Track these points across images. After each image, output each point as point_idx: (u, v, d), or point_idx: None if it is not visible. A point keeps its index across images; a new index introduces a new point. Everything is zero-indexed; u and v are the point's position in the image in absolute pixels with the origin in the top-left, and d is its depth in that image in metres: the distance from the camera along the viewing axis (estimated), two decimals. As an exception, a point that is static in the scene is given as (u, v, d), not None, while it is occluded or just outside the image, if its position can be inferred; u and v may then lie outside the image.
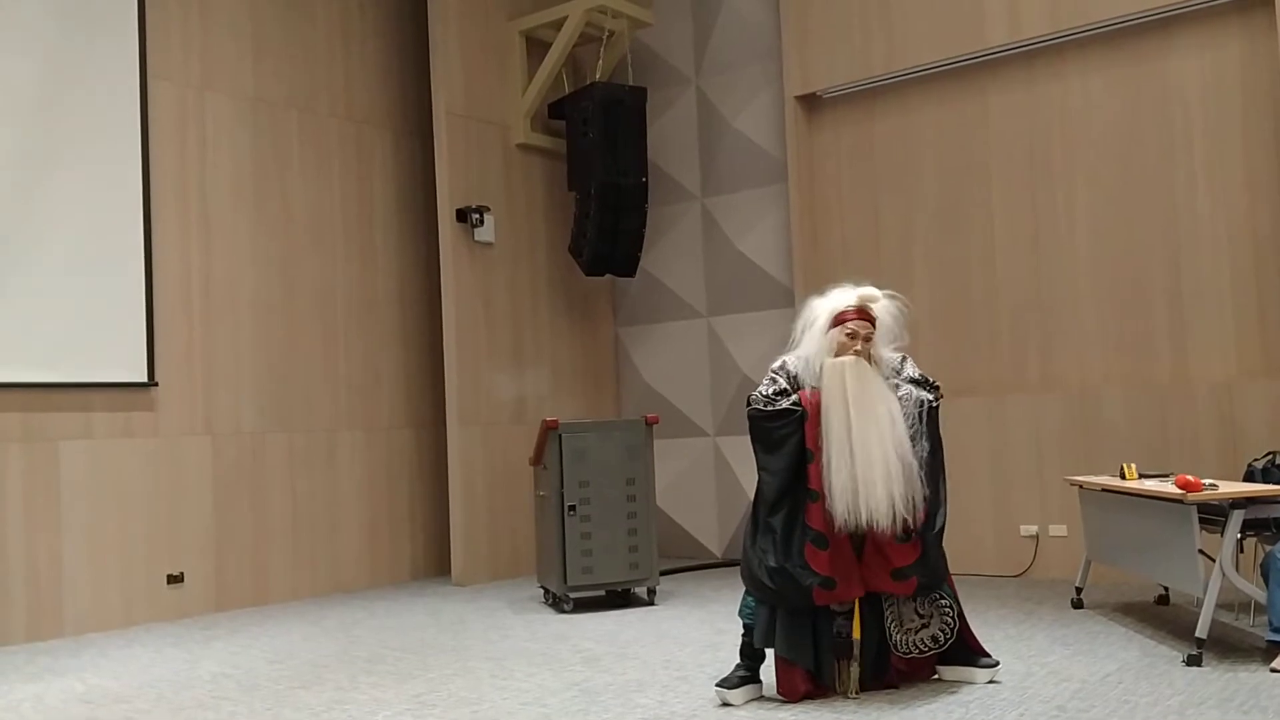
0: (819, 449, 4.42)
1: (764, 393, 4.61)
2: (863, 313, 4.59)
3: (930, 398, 4.61)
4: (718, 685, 4.53)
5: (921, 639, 4.55)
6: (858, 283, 4.72)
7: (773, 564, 4.42)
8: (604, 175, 8.44)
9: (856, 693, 4.45)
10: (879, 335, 4.63)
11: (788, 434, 4.49)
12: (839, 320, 4.58)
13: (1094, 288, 7.30)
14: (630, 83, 8.92)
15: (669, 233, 9.35)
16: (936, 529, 4.52)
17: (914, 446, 4.46)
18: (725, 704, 4.44)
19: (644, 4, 9.10)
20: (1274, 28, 6.61)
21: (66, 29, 6.95)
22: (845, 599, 4.43)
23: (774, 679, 4.54)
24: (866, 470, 4.30)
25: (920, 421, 4.52)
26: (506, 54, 8.95)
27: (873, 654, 4.52)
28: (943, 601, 4.57)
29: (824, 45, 8.35)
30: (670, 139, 9.36)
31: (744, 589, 4.62)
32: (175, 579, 7.25)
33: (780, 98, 8.65)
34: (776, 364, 4.71)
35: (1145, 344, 7.11)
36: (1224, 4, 6.88)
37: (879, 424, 4.37)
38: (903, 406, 4.50)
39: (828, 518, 4.37)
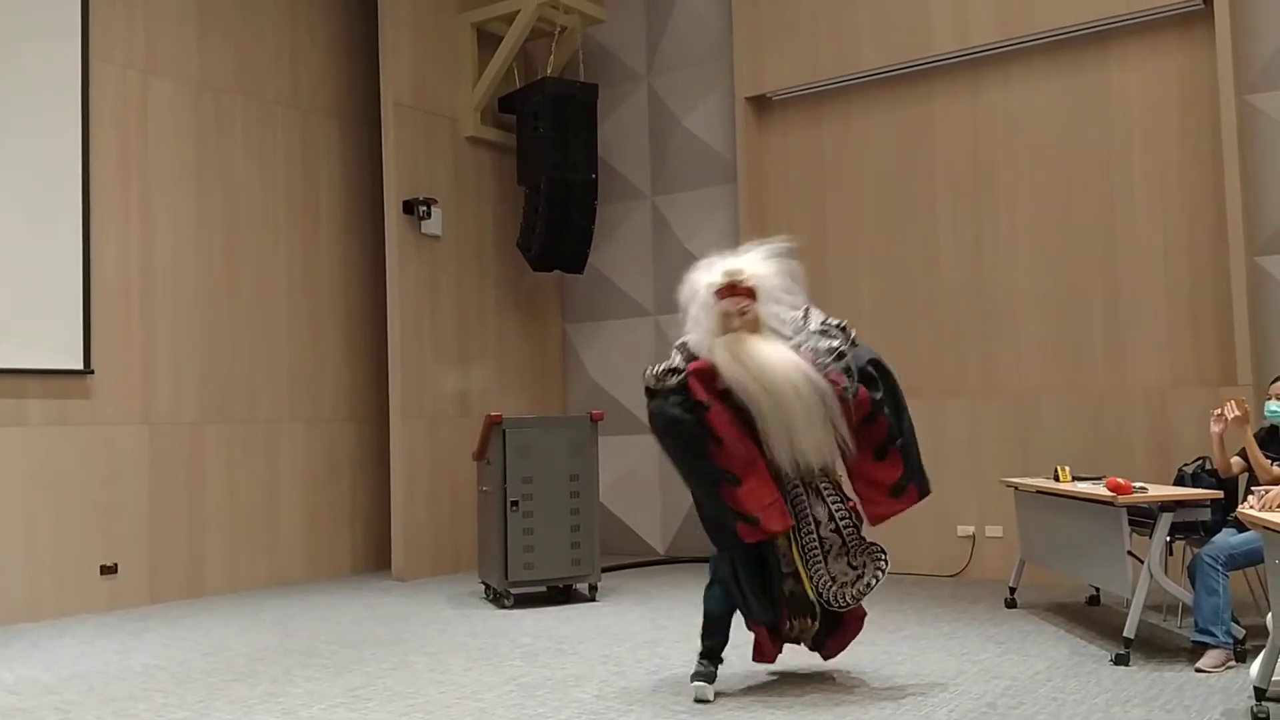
0: (731, 430, 4.42)
1: (655, 371, 4.55)
2: (733, 289, 4.51)
3: (837, 343, 4.53)
4: (695, 681, 4.48)
5: (858, 590, 4.52)
6: (734, 251, 4.66)
7: (707, 510, 4.54)
8: (554, 171, 8.43)
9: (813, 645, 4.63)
10: (762, 300, 4.54)
11: (686, 432, 4.46)
12: (717, 296, 4.53)
13: (1033, 294, 7.42)
14: (582, 79, 8.91)
15: (618, 230, 9.36)
16: (905, 437, 4.55)
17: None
18: (701, 699, 4.40)
19: (597, 0, 9.10)
20: (1213, 42, 6.77)
21: (6, 7, 6.81)
22: (772, 532, 4.39)
23: (750, 650, 4.65)
24: (791, 419, 4.37)
25: (849, 370, 4.49)
26: (457, 46, 8.91)
27: (825, 613, 4.59)
28: (874, 548, 4.57)
29: (775, 47, 8.41)
30: (621, 136, 9.36)
31: (690, 586, 4.63)
32: (109, 570, 7.13)
33: (730, 98, 8.69)
34: (678, 342, 4.66)
35: (1082, 350, 7.24)
36: (1165, 18, 7.02)
37: (783, 371, 4.39)
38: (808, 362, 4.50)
39: (735, 456, 4.39)
